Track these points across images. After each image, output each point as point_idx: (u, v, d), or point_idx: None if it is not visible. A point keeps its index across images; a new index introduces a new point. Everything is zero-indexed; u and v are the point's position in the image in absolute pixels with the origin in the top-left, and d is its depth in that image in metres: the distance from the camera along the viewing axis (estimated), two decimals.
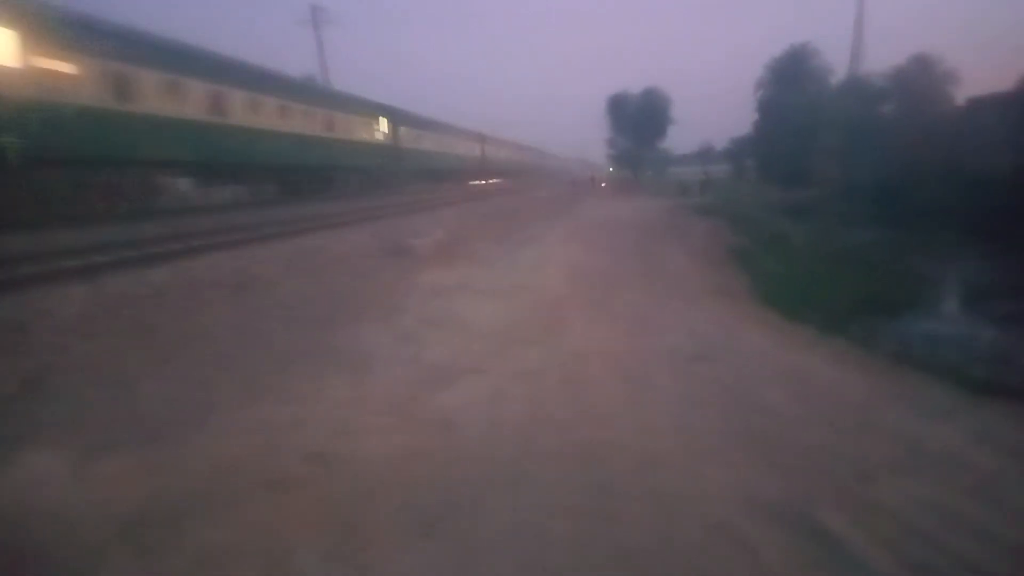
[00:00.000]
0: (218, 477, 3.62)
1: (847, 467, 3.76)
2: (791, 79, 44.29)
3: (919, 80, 37.53)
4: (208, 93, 19.72)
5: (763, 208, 25.91)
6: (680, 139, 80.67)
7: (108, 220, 14.22)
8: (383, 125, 31.29)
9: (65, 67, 14.24)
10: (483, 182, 44.12)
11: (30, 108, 13.04)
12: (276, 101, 22.77)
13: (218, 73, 20.50)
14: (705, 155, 74.72)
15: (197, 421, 4.35)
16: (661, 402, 4.94)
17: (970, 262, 14.28)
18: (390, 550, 3.01)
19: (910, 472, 3.72)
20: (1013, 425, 4.44)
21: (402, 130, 33.61)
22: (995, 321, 9.13)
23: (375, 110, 31.03)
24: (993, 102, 20.35)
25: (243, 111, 21.35)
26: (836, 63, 43.46)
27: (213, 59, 21.14)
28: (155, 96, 17.17)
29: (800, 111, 38.92)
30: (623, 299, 8.75)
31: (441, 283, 9.03)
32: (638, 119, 57.84)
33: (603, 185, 51.55)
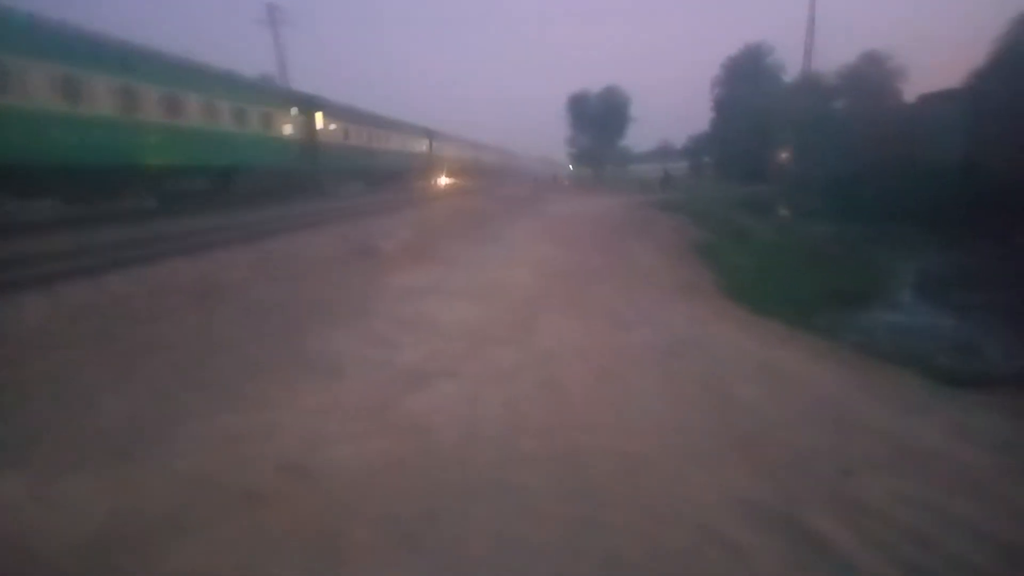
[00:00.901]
0: (188, 493, 3.44)
1: (828, 465, 3.77)
2: (746, 77, 45.20)
3: (870, 77, 38.53)
4: None
5: (723, 203, 26.25)
6: (640, 137, 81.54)
7: None
8: (292, 117, 24.47)
9: None
10: (436, 183, 42.22)
11: None
12: (114, 80, 15.67)
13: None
14: (664, 153, 75.73)
15: (164, 435, 4.15)
16: (639, 402, 4.91)
17: (926, 253, 14.70)
18: (371, 564, 2.89)
19: (891, 468, 3.75)
20: (988, 417, 4.52)
21: (322, 123, 26.39)
22: (955, 310, 9.38)
23: (285, 99, 24.82)
24: (943, 98, 20.99)
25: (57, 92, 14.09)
26: (790, 61, 44.47)
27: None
28: None
29: (755, 108, 39.73)
30: (593, 296, 8.73)
31: (410, 285, 8.89)
32: (598, 117, 58.33)
33: (566, 183, 51.75)
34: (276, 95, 24.54)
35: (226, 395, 4.83)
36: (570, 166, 70.19)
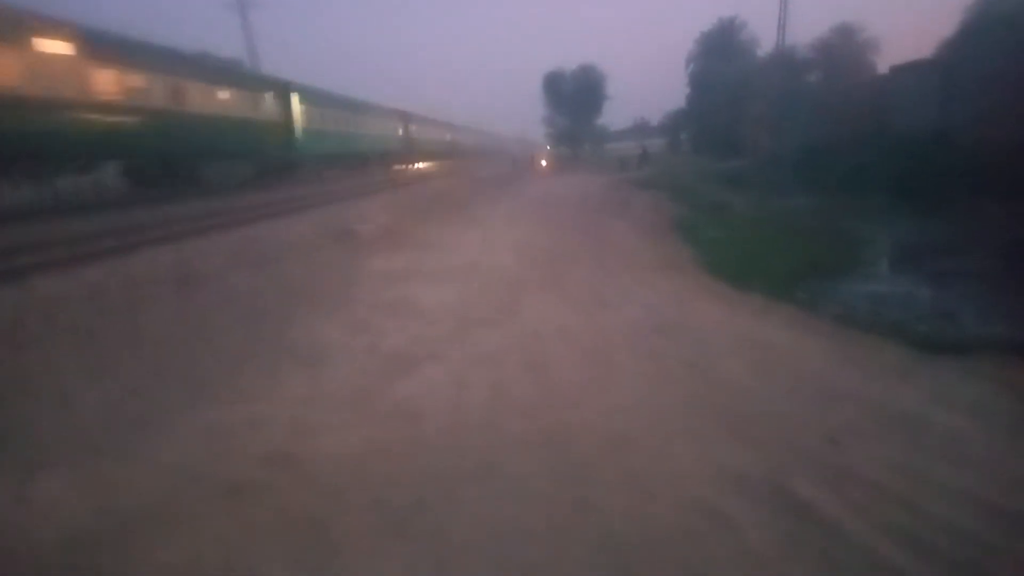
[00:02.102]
0: (170, 487, 3.40)
1: (813, 434, 3.81)
2: (721, 52, 45.21)
3: (842, 50, 38.76)
4: None
5: (700, 179, 26.34)
6: (616, 115, 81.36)
7: None
8: (268, 98, 23.40)
9: None
10: (413, 166, 41.66)
11: None
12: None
13: None
14: (641, 130, 75.71)
15: (145, 429, 4.09)
16: (624, 379, 4.92)
17: (901, 222, 14.86)
18: (361, 554, 2.87)
19: (875, 436, 3.80)
20: (966, 382, 4.58)
21: (298, 107, 25.20)
22: (931, 278, 9.50)
23: (261, 83, 23.82)
24: (914, 69, 21.12)
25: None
26: (764, 36, 44.52)
27: None
28: None
29: (730, 83, 39.81)
30: (575, 275, 8.73)
31: (391, 269, 8.82)
32: (574, 96, 58.10)
33: (543, 163, 51.58)
34: (252, 80, 23.56)
35: (208, 387, 4.78)
36: (548, 146, 69.93)
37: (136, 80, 16.39)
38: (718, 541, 2.88)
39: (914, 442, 3.68)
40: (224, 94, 20.50)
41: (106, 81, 15.34)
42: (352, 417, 4.30)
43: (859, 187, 18.57)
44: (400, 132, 40.55)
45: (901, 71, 22.04)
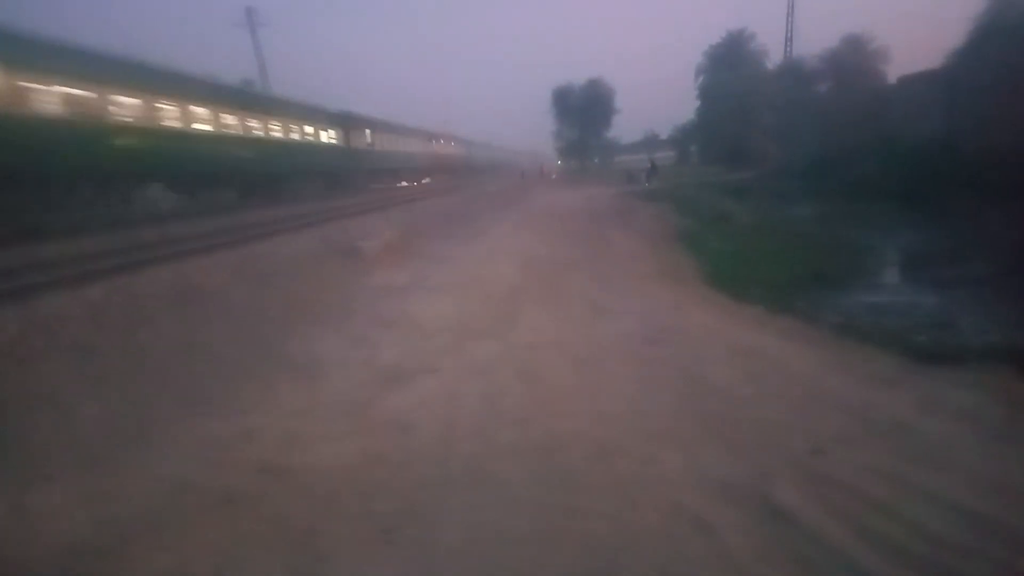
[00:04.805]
0: (166, 498, 3.49)
1: (799, 442, 3.85)
2: (730, 64, 45.31)
3: (851, 60, 38.69)
4: None
5: (707, 190, 26.35)
6: (626, 128, 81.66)
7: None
8: (338, 130, 30.29)
9: None
10: (432, 180, 42.55)
11: None
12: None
13: None
14: (650, 143, 75.74)
15: (142, 441, 4.19)
16: (616, 388, 4.98)
17: (907, 232, 14.83)
18: (351, 561, 2.95)
19: (860, 443, 3.82)
20: (955, 391, 4.58)
21: (358, 134, 31.82)
22: (935, 287, 9.48)
23: (331, 117, 29.85)
24: (922, 79, 21.14)
25: None
26: (772, 47, 44.59)
27: None
28: None
29: (739, 94, 39.83)
30: (575, 288, 8.79)
31: (392, 282, 8.91)
32: (583, 110, 58.34)
33: (553, 176, 51.77)
34: (328, 116, 30.05)
35: (206, 400, 4.87)
36: (557, 160, 70.15)
37: (267, 124, 23.54)
38: (698, 546, 2.93)
39: (900, 449, 3.70)
40: (312, 129, 27.74)
41: (252, 125, 22.28)
42: (346, 428, 4.37)
43: (865, 196, 18.56)
44: (430, 149, 45.25)
45: (909, 81, 22.11)
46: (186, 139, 18.48)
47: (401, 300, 7.95)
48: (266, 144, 23.58)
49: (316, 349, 6.13)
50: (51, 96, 13.54)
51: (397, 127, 39.90)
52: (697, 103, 48.87)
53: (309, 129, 27.61)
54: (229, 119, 20.98)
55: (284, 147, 25.29)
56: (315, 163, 28.58)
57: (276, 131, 24.44)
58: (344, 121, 31.23)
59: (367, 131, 33.91)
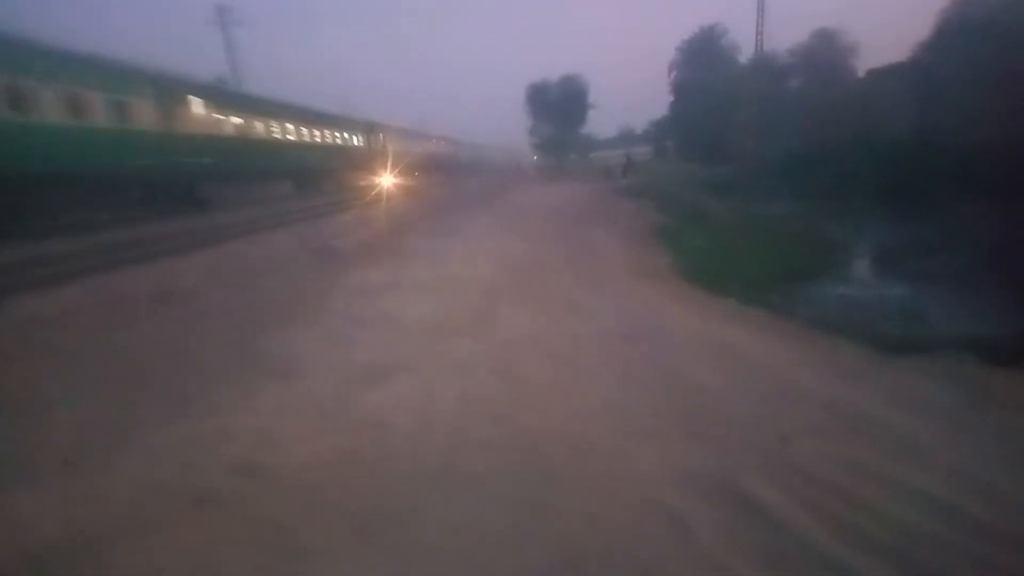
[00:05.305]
0: (140, 500, 3.45)
1: (769, 434, 3.93)
2: (703, 60, 45.49)
3: (823, 54, 39.08)
4: None
5: (684, 186, 26.55)
6: (602, 124, 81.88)
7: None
8: (362, 134, 37.04)
9: None
10: (411, 178, 42.90)
11: None
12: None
13: None
14: (627, 138, 76.08)
15: (116, 444, 4.13)
16: (592, 385, 5.03)
17: (879, 225, 15.07)
18: (325, 560, 2.95)
19: (827, 434, 3.91)
20: (921, 382, 4.70)
21: (379, 136, 39.55)
22: (905, 279, 9.66)
23: (357, 123, 36.55)
24: (891, 72, 21.43)
25: None
26: (745, 42, 44.87)
27: None
28: None
29: (713, 90, 40.03)
30: (552, 286, 8.82)
31: (369, 281, 8.88)
32: (559, 106, 58.31)
33: (530, 173, 51.85)
34: (354, 122, 35.89)
35: (180, 401, 4.82)
36: (533, 156, 70.20)
37: (327, 133, 31.28)
38: (668, 539, 2.98)
39: (865, 439, 3.80)
40: (349, 135, 34.59)
41: (321, 134, 30.35)
42: (321, 427, 4.36)
43: (841, 191, 18.77)
44: (429, 148, 50.52)
45: (878, 75, 22.38)
46: (290, 148, 27.18)
47: (379, 299, 7.94)
48: (326, 148, 31.62)
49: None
50: (256, 127, 23.74)
51: (402, 130, 45.14)
52: (671, 98, 49.16)
53: (348, 135, 34.41)
54: (315, 133, 29.81)
55: (336, 150, 32.86)
56: (350, 160, 33.22)
57: (331, 139, 32.25)
58: (368, 127, 37.56)
59: (381, 135, 39.51)
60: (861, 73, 31.62)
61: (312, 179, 30.08)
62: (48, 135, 13.29)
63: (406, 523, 3.19)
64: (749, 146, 34.84)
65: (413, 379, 5.22)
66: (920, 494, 3.20)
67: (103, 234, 12.33)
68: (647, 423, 4.23)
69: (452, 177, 47.36)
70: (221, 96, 22.41)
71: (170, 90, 18.03)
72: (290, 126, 26.87)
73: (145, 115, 16.66)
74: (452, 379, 5.19)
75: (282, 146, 26.25)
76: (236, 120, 22.25)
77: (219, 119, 21.06)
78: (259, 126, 24.03)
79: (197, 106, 19.52)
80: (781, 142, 29.30)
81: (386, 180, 33.29)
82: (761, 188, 23.36)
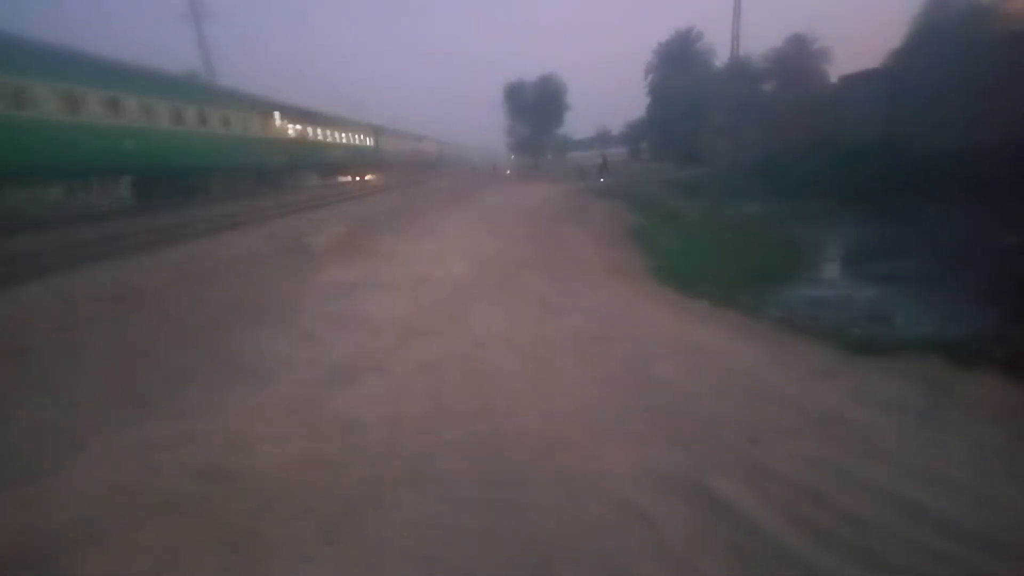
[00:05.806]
0: (101, 505, 3.38)
1: (737, 433, 3.96)
2: (679, 63, 46.07)
3: (796, 59, 39.76)
4: None
5: (658, 187, 26.75)
6: (578, 125, 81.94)
7: None
8: (370, 136, 42.74)
9: None
10: (387, 176, 43.22)
11: None
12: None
13: None
14: (603, 139, 76.44)
15: (76, 447, 4.04)
16: (563, 385, 5.03)
17: (850, 227, 15.33)
18: (290, 562, 2.91)
19: (794, 433, 3.95)
20: (887, 381, 4.78)
21: (382, 138, 45.93)
22: (875, 281, 9.83)
23: (366, 127, 42.23)
24: (863, 78, 21.80)
25: None
26: (720, 46, 45.46)
27: None
28: None
29: (688, 93, 40.50)
30: (525, 285, 8.82)
31: (341, 280, 8.80)
32: (535, 106, 58.42)
33: (506, 173, 51.84)
34: (362, 126, 41.23)
35: (145, 404, 4.73)
36: (510, 156, 70.28)
37: (347, 134, 37.19)
38: (637, 537, 2.99)
39: (830, 438, 3.85)
40: (362, 136, 40.20)
41: (342, 135, 36.34)
42: (290, 429, 4.31)
43: (812, 193, 19.09)
44: (417, 147, 56.72)
45: (851, 80, 22.74)
46: (319, 147, 33.00)
47: (350, 298, 7.87)
48: (345, 147, 36.93)
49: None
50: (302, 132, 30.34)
51: (396, 132, 50.27)
52: (647, 100, 49.58)
53: (360, 136, 39.73)
54: (338, 134, 35.50)
55: (351, 148, 38.05)
56: (361, 158, 39.77)
57: (350, 139, 37.67)
58: (376, 130, 43.05)
59: (385, 136, 45.30)
60: (834, 78, 32.20)
61: (338, 173, 39.37)
62: (215, 142, 22.38)
63: (374, 524, 3.17)
64: (723, 148, 35.26)
65: (383, 380, 5.19)
66: (885, 492, 3.25)
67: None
68: (619, 424, 4.25)
69: (433, 175, 47.64)
70: (288, 110, 29.75)
71: (264, 109, 27.00)
72: (328, 131, 34.51)
73: (254, 128, 25.70)
74: (423, 379, 5.17)
75: (321, 146, 33.86)
76: (296, 127, 30.31)
77: (288, 128, 29.34)
78: (309, 132, 31.83)
79: (277, 119, 28.11)
80: (754, 144, 29.69)
81: (383, 175, 36.84)
82: (734, 190, 23.64)
